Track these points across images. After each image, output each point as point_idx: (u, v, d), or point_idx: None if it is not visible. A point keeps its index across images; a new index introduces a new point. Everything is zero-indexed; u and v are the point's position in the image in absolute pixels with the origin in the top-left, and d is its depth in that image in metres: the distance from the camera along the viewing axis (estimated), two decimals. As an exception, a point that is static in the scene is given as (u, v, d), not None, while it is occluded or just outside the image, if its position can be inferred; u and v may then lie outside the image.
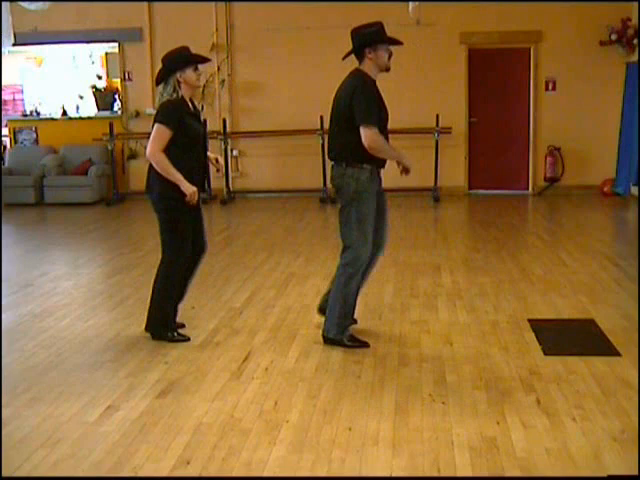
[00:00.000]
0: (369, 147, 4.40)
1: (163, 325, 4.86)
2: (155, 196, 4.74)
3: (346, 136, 4.50)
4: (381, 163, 4.60)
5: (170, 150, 4.60)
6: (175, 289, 4.87)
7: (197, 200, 4.77)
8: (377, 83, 4.58)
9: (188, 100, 4.73)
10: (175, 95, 4.63)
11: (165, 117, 4.60)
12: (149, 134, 4.66)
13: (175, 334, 4.85)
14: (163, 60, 4.72)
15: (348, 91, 4.48)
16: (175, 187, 4.61)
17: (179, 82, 4.63)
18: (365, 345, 4.64)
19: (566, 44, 11.22)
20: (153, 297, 4.86)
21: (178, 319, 5.00)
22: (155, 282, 4.86)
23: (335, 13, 11.25)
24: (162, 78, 4.67)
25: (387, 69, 4.59)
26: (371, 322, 5.18)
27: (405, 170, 4.63)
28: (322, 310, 4.88)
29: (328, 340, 4.68)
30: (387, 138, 4.59)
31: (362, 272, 4.66)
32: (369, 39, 4.51)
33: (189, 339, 4.84)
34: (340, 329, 4.65)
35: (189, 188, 4.62)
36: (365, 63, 4.54)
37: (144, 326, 4.94)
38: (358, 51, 4.55)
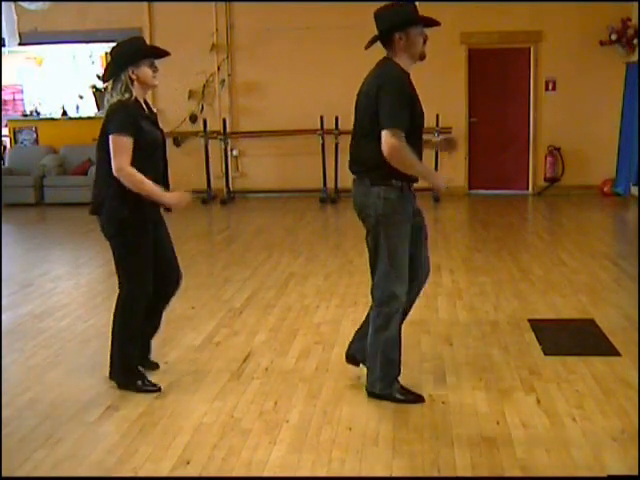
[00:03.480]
0: (388, 156, 3.51)
1: (127, 371, 4.06)
2: (104, 219, 3.97)
3: (370, 145, 3.61)
4: (414, 178, 3.72)
5: None
6: (137, 328, 4.06)
7: (158, 218, 4.07)
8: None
9: (142, 101, 3.97)
10: (127, 95, 3.85)
11: (121, 124, 3.81)
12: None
13: (144, 382, 4.04)
14: (112, 53, 3.94)
15: (372, 87, 3.63)
16: (128, 205, 3.85)
17: (131, 79, 3.86)
18: (420, 400, 3.80)
19: (566, 44, 11.21)
20: (113, 338, 4.07)
21: (153, 357, 4.32)
22: (114, 321, 4.06)
23: (335, 13, 11.26)
24: (111, 75, 3.92)
25: (422, 57, 3.71)
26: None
27: (436, 189, 3.83)
28: (351, 357, 4.07)
29: (374, 395, 3.86)
30: (421, 148, 3.77)
31: (402, 310, 3.82)
32: (400, 20, 3.62)
33: (159, 389, 4.02)
34: (387, 382, 3.81)
35: (172, 196, 3.92)
36: (395, 51, 3.66)
37: (108, 373, 4.16)
38: (385, 36, 3.66)
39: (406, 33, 3.62)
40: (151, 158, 3.95)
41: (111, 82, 3.91)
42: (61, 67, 12.74)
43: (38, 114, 12.66)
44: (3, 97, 12.43)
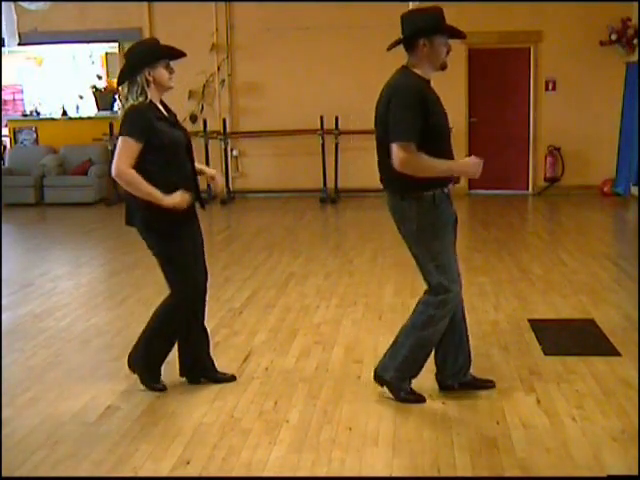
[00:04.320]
0: (400, 170, 3.47)
1: (150, 365, 4.08)
2: (141, 229, 3.91)
3: (389, 157, 3.54)
4: (446, 182, 3.64)
5: (144, 167, 3.74)
6: (177, 330, 4.07)
7: (194, 217, 4.03)
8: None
9: (158, 103, 3.89)
10: (142, 98, 3.78)
11: (130, 127, 3.74)
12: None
13: (157, 380, 4.07)
14: (127, 55, 3.87)
15: (385, 98, 3.57)
16: (162, 212, 3.75)
17: (147, 81, 3.78)
18: (421, 400, 3.80)
19: (566, 44, 11.21)
20: (149, 331, 4.06)
21: (225, 370, 4.25)
22: (157, 317, 4.05)
23: (335, 13, 11.25)
24: (126, 77, 3.82)
25: (443, 67, 3.66)
26: (371, 322, 5.18)
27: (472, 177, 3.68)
28: (379, 378, 3.87)
29: (379, 379, 3.85)
30: (450, 151, 3.67)
31: (449, 317, 3.75)
32: (426, 27, 3.56)
33: (165, 388, 4.06)
34: (400, 375, 3.77)
35: (171, 199, 3.75)
36: (417, 58, 3.61)
37: (126, 362, 4.17)
38: (410, 42, 3.60)
39: (431, 40, 3.57)
40: (175, 159, 3.86)
41: (127, 84, 3.81)
42: (61, 67, 12.74)
43: (38, 114, 12.66)
44: (3, 97, 12.43)
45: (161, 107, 3.91)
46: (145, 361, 4.07)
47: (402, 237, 3.78)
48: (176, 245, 3.89)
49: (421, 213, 3.57)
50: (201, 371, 4.15)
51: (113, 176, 3.78)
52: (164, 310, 4.04)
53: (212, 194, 11.50)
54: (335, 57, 11.34)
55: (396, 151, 3.45)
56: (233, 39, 11.85)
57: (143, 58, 3.79)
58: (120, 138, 3.76)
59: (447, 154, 3.63)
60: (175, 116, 4.03)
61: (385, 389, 3.85)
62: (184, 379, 4.18)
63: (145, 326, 4.09)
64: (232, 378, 4.19)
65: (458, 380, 3.89)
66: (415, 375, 3.82)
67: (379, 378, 3.85)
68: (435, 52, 3.59)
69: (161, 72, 3.81)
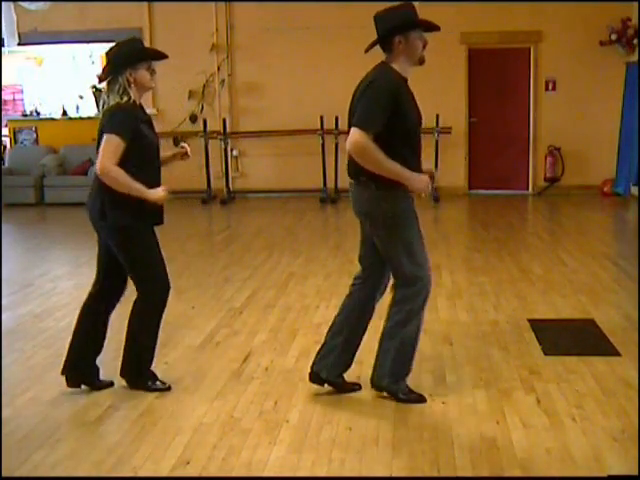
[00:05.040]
0: (351, 152, 3.54)
1: (141, 371, 4.06)
2: (109, 227, 3.91)
3: None
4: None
5: (123, 166, 3.75)
6: (155, 329, 4.05)
7: (159, 217, 4.00)
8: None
9: (138, 103, 3.92)
10: (126, 98, 3.81)
11: (118, 126, 3.76)
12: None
13: (154, 382, 4.07)
14: (109, 54, 3.89)
15: (362, 89, 3.62)
16: (131, 209, 3.81)
17: (129, 82, 3.82)
18: (422, 400, 3.81)
19: (566, 44, 11.21)
20: (129, 339, 4.05)
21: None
22: (131, 323, 4.04)
23: (335, 13, 11.26)
24: (107, 75, 3.85)
25: (421, 62, 3.72)
26: (371, 322, 5.17)
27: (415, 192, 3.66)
28: (377, 387, 3.90)
29: (377, 388, 3.89)
30: (419, 150, 3.74)
31: (423, 307, 3.81)
32: (399, 24, 3.61)
33: (169, 388, 4.06)
34: (394, 378, 3.81)
35: (156, 194, 3.82)
36: (393, 55, 3.65)
37: (118, 371, 4.11)
38: (385, 39, 3.64)
39: (405, 36, 3.61)
40: (152, 161, 3.95)
41: (107, 84, 3.85)
42: (61, 67, 12.74)
43: (38, 114, 12.66)
44: (3, 97, 12.43)
45: (141, 108, 3.95)
46: (137, 369, 4.05)
47: (369, 233, 3.81)
48: (144, 242, 3.93)
49: (396, 202, 3.63)
50: (81, 376, 4.08)
51: (98, 174, 3.80)
52: (138, 309, 4.02)
53: (212, 194, 11.51)
54: (335, 57, 11.35)
55: (352, 133, 3.50)
56: (233, 39, 11.85)
57: (125, 59, 3.82)
58: (106, 135, 3.78)
59: (414, 152, 3.69)
60: (151, 118, 4.06)
61: (385, 393, 3.87)
62: (184, 379, 4.18)
63: (125, 340, 4.06)
64: (110, 384, 4.10)
65: (332, 376, 3.91)
66: (408, 372, 3.85)
67: (377, 387, 3.88)
68: (411, 47, 3.64)
69: (142, 73, 3.85)
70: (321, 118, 11.17)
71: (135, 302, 4.02)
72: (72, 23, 11.85)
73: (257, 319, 5.33)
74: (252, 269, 6.90)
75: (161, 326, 4.11)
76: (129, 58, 3.82)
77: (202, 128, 11.50)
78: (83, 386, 4.06)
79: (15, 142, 12.63)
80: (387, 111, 3.50)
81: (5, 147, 12.71)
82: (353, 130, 3.50)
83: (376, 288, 3.91)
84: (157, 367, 4.37)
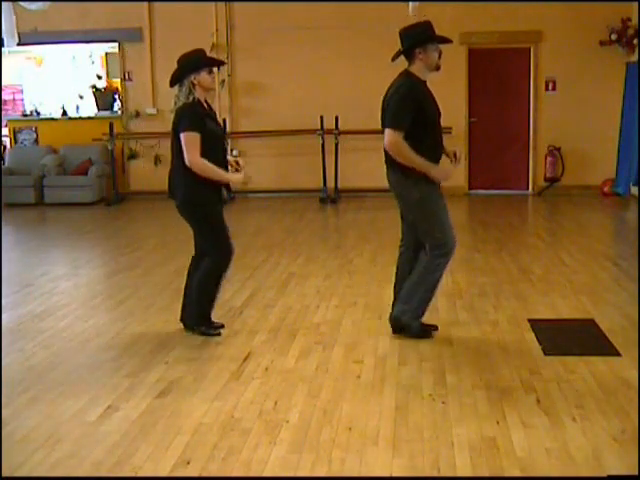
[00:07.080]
0: (388, 149, 4.47)
1: (201, 317, 4.91)
2: (179, 203, 4.77)
3: None
4: (436, 160, 4.53)
5: None
6: (216, 285, 4.90)
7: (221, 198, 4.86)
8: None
9: (203, 102, 4.76)
10: (191, 98, 4.67)
11: (191, 122, 4.61)
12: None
13: (209, 327, 4.93)
14: (179, 61, 4.75)
15: (390, 94, 4.53)
16: (198, 189, 4.67)
17: (193, 84, 4.67)
18: (434, 328, 4.81)
19: (566, 44, 11.21)
20: (194, 291, 4.89)
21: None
22: (198, 279, 4.87)
23: (335, 13, 11.26)
24: (177, 79, 4.72)
25: (437, 68, 4.61)
26: (371, 322, 5.18)
27: (436, 181, 4.54)
28: (397, 321, 4.77)
29: (397, 322, 4.71)
30: (440, 138, 4.63)
31: (447, 262, 4.64)
32: (419, 39, 4.52)
33: (219, 333, 4.92)
34: (415, 315, 4.67)
35: (233, 176, 4.82)
36: (415, 64, 4.55)
37: (179, 317, 5.03)
38: (408, 52, 4.56)
39: (425, 49, 4.52)
40: (215, 149, 4.70)
41: (177, 87, 4.72)
42: (61, 67, 12.74)
43: (38, 114, 12.66)
44: (3, 97, 12.43)
45: (205, 105, 4.76)
46: (198, 315, 4.90)
47: (402, 208, 4.72)
48: (210, 214, 4.76)
49: (419, 186, 4.49)
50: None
51: (188, 166, 4.60)
52: (206, 268, 4.83)
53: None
54: (335, 57, 11.34)
55: (387, 134, 4.46)
56: (233, 39, 11.85)
57: (190, 65, 4.70)
58: (182, 134, 4.62)
59: (436, 141, 4.61)
60: (215, 113, 4.95)
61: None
62: (184, 379, 4.18)
63: (188, 289, 4.95)
64: (218, 333, 4.95)
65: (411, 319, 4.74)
66: (424, 314, 4.72)
67: (397, 321, 4.70)
68: (429, 57, 4.55)
69: (204, 77, 4.72)
70: (321, 118, 11.18)
71: (204, 262, 4.84)
72: (72, 23, 11.85)
73: (257, 319, 5.33)
74: (252, 269, 6.90)
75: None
76: (194, 65, 4.70)
77: (202, 128, 11.49)
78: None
79: (15, 142, 12.63)
80: (412, 111, 4.43)
81: (5, 147, 12.71)
82: (387, 131, 4.44)
83: (416, 249, 4.75)
84: (157, 367, 4.40)
